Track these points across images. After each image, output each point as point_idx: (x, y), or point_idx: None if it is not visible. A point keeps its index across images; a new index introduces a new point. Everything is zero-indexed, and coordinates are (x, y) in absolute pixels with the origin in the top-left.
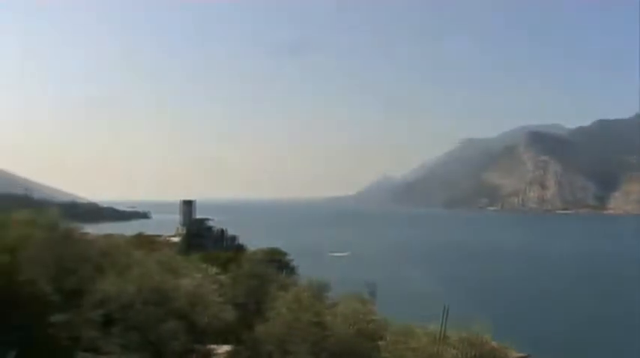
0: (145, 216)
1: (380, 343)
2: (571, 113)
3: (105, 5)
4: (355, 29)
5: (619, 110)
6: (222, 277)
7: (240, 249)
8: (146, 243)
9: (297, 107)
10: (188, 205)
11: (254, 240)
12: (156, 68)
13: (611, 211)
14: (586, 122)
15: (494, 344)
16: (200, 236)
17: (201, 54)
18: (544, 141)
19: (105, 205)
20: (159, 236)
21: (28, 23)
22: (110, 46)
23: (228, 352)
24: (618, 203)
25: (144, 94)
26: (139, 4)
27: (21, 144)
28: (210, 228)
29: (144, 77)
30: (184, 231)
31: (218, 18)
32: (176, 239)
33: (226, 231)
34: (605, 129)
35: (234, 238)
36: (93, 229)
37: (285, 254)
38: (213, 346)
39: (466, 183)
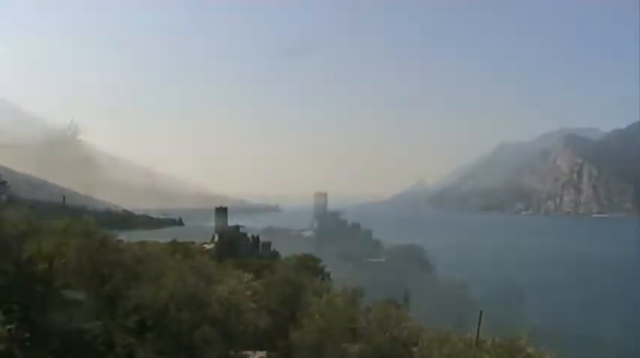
0: (178, 222)
1: (413, 349)
2: (606, 116)
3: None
4: (378, 29)
5: None
6: (256, 283)
7: (275, 256)
8: (180, 249)
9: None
10: (222, 212)
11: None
12: (164, 69)
13: None
14: (622, 125)
15: (529, 350)
16: (234, 243)
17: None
18: (579, 145)
19: (138, 213)
20: (193, 243)
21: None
22: (107, 46)
23: None
24: None
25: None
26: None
27: (59, 154)
28: (244, 235)
29: (147, 77)
30: (218, 238)
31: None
32: (210, 246)
33: (259, 237)
34: None
35: (268, 245)
36: (127, 236)
37: (319, 260)
38: (247, 352)
39: (501, 188)
